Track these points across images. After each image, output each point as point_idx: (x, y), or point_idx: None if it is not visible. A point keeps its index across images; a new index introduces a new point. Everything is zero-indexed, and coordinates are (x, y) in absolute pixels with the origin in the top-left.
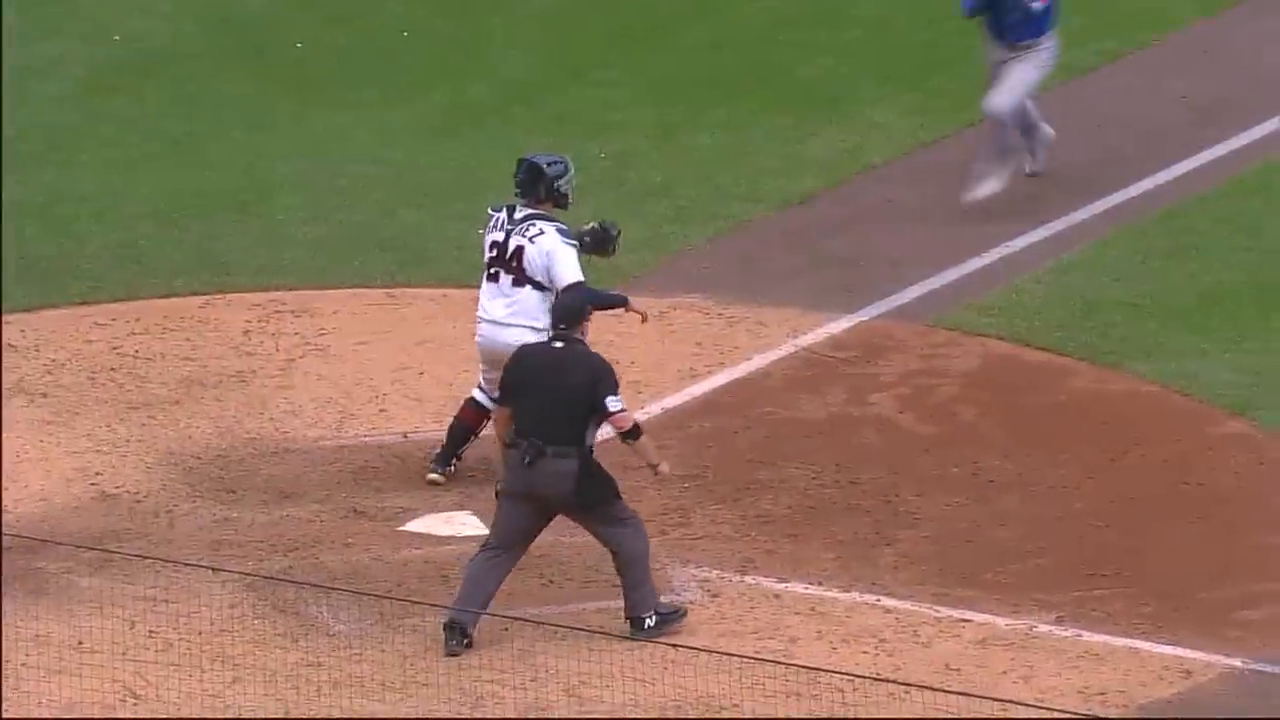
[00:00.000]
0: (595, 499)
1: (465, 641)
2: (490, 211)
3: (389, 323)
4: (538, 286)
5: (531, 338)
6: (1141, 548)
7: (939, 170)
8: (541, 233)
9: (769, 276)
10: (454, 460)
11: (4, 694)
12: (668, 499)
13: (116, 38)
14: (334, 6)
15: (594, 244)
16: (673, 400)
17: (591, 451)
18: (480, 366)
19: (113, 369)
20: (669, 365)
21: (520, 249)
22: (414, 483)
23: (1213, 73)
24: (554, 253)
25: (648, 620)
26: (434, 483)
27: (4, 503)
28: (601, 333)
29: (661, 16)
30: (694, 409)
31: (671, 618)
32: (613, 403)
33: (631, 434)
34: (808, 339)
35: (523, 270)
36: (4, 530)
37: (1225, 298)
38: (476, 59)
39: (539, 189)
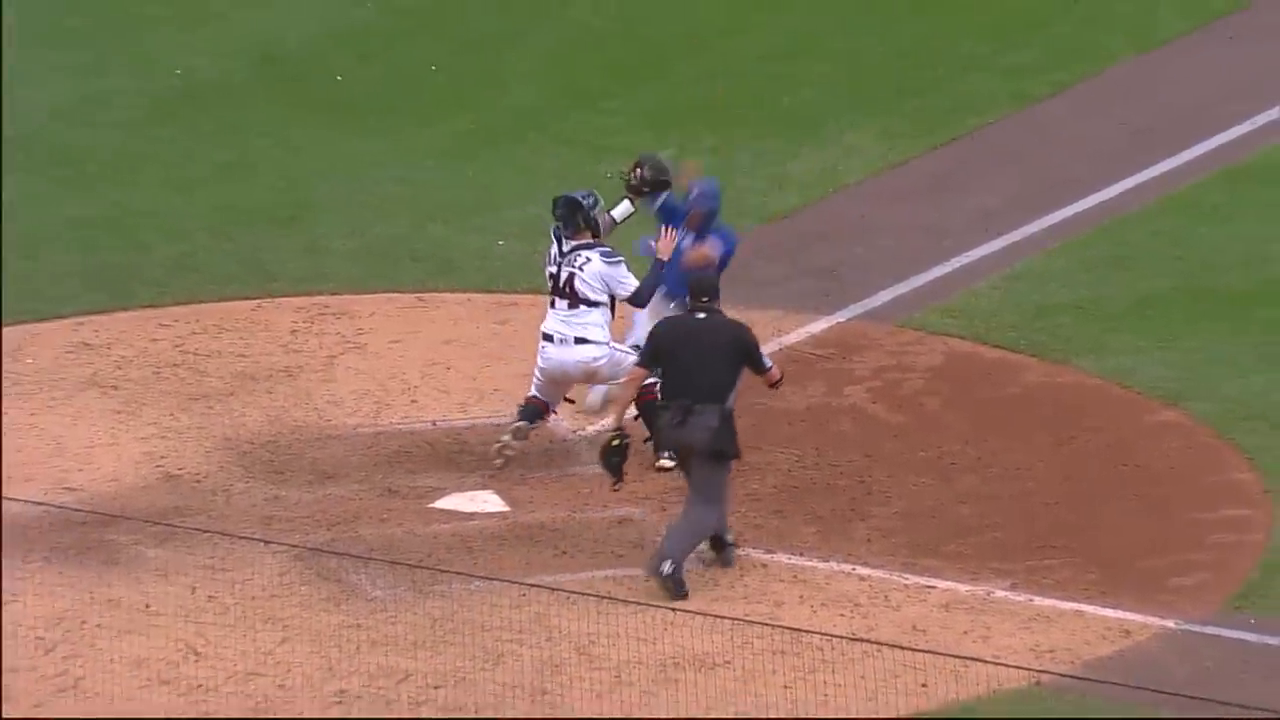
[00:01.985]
0: (720, 453)
1: (729, 551)
2: (553, 234)
3: (419, 324)
4: (595, 305)
5: (595, 352)
6: (1086, 522)
7: (907, 188)
8: (588, 260)
9: (755, 283)
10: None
11: (78, 653)
12: (667, 480)
13: (178, 71)
14: (366, 43)
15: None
16: None
17: (731, 412)
18: (537, 377)
19: (175, 365)
20: None
21: (572, 277)
22: (442, 465)
23: (1148, 103)
24: (604, 274)
25: (667, 567)
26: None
27: (80, 483)
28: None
29: (657, 51)
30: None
31: (680, 586)
32: (766, 362)
33: (778, 384)
34: (790, 338)
35: (577, 295)
36: (81, 506)
37: (1158, 302)
38: (493, 90)
39: (577, 220)
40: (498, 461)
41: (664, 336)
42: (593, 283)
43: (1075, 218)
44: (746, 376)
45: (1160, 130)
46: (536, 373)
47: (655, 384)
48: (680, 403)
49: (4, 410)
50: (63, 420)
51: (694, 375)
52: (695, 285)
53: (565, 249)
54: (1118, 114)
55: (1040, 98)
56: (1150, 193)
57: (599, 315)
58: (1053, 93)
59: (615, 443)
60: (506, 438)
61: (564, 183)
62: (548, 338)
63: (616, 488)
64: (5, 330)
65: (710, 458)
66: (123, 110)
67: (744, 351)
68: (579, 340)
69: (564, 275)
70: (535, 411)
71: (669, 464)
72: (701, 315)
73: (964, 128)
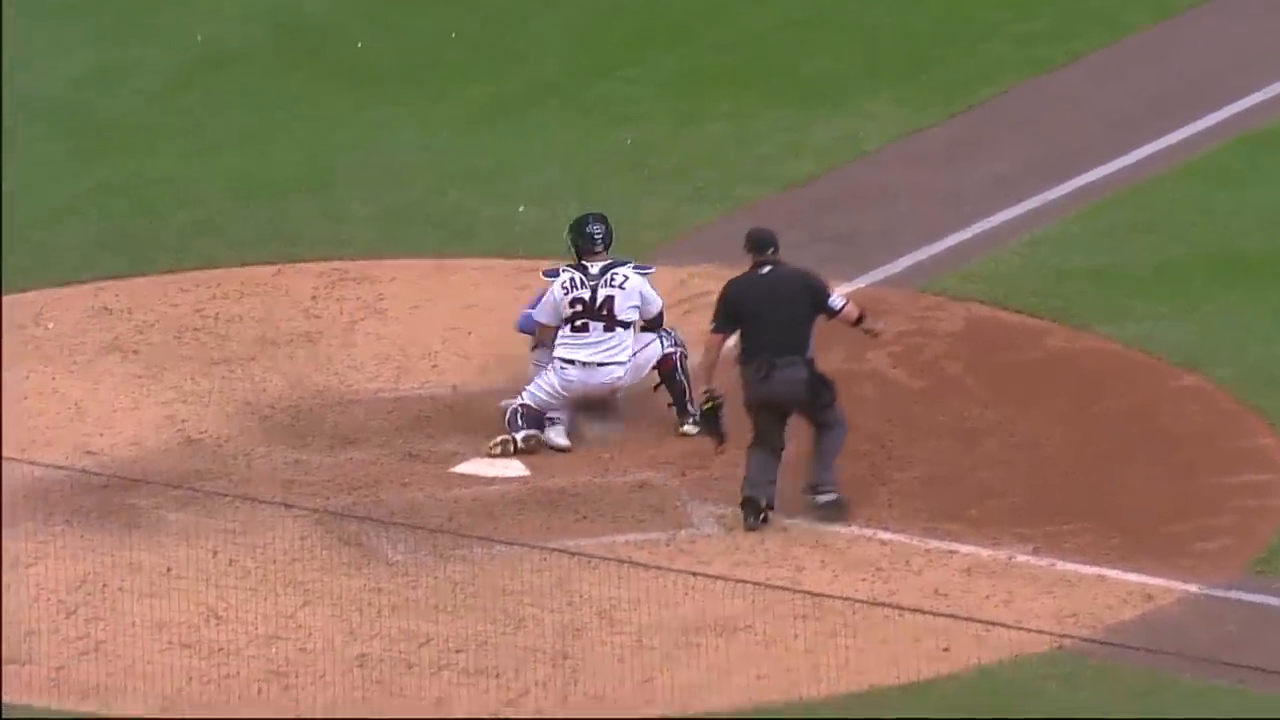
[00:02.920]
0: (825, 400)
1: (763, 516)
2: (553, 275)
3: (439, 289)
4: (626, 326)
5: (619, 371)
6: (1108, 487)
7: (925, 155)
8: (627, 278)
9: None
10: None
11: (99, 616)
12: (689, 444)
13: (199, 39)
14: (387, 11)
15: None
16: (692, 359)
17: (813, 359)
18: (545, 393)
19: (196, 329)
20: (688, 326)
21: (610, 298)
22: (463, 429)
23: (1165, 70)
24: (643, 291)
25: (825, 495)
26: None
27: (101, 447)
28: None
29: (677, 20)
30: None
31: (839, 507)
32: (836, 301)
33: (860, 319)
34: None
35: (613, 316)
36: (102, 470)
37: (1178, 268)
38: (513, 58)
39: (611, 239)
40: (495, 449)
41: (734, 296)
42: (633, 300)
43: (1094, 184)
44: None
45: (1178, 97)
46: (546, 390)
47: (675, 353)
48: (763, 358)
49: (25, 375)
50: (84, 384)
51: (772, 329)
52: (757, 239)
53: (595, 270)
54: (1135, 81)
55: (1057, 65)
56: (1169, 159)
57: (629, 338)
58: (1070, 60)
59: (709, 405)
60: (518, 438)
61: (581, 151)
62: (569, 362)
63: (721, 450)
64: (28, 295)
65: (812, 407)
66: (143, 78)
67: (816, 296)
68: (603, 364)
69: (601, 297)
70: (539, 421)
71: (692, 430)
72: (767, 269)
73: (982, 95)
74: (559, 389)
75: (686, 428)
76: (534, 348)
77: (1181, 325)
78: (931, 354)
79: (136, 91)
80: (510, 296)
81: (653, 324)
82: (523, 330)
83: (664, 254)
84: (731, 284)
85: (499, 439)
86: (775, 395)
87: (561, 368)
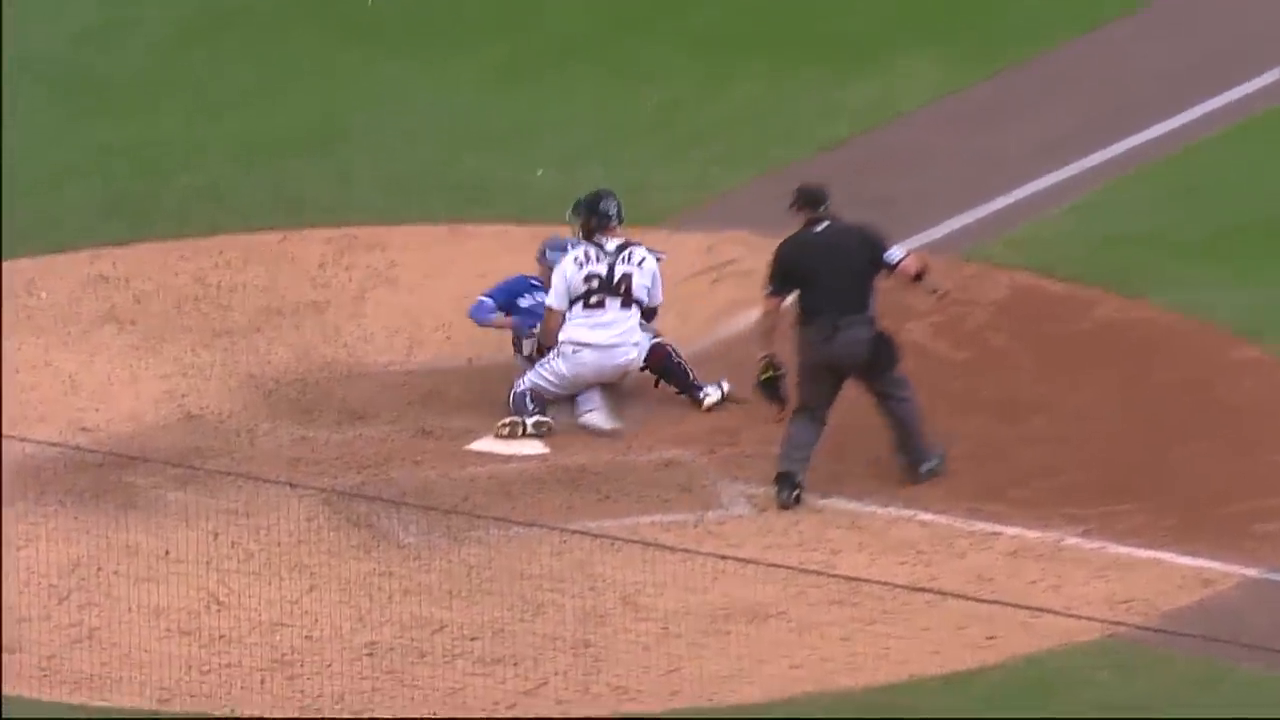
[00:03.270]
0: (886, 362)
1: (796, 493)
2: (555, 252)
3: (453, 257)
4: (638, 305)
5: (634, 355)
6: (1163, 465)
7: (966, 116)
8: (644, 259)
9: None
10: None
11: (93, 601)
12: (717, 420)
13: None
14: None
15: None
16: (722, 331)
17: (875, 318)
18: (549, 380)
19: (197, 299)
20: (718, 296)
21: (628, 276)
22: (478, 405)
23: (1221, 25)
24: (656, 275)
25: (928, 464)
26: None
27: (97, 422)
28: None
29: None
30: (741, 337)
31: (941, 461)
32: (895, 253)
33: (920, 275)
34: None
35: (630, 294)
36: (97, 448)
37: (1235, 233)
38: (534, 14)
39: (623, 216)
40: (504, 431)
41: (790, 257)
42: (647, 282)
43: (1145, 145)
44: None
45: (1232, 54)
46: (552, 379)
47: (664, 341)
48: (826, 318)
49: (18, 347)
50: (79, 357)
51: (832, 288)
52: (808, 194)
53: (610, 246)
54: (1187, 38)
55: (1104, 21)
56: (1223, 119)
57: (638, 317)
58: (1120, 15)
59: (767, 375)
60: (529, 423)
61: (605, 111)
62: (583, 345)
63: (781, 417)
64: (20, 263)
65: (873, 371)
66: (147, 34)
67: (875, 248)
68: (618, 345)
69: (618, 274)
70: (544, 405)
71: (715, 396)
72: (822, 226)
73: (1027, 52)
74: (568, 375)
75: (708, 397)
76: (521, 349)
77: (1238, 294)
78: (974, 324)
79: (137, 49)
80: (526, 264)
81: (648, 315)
82: (476, 319)
83: (690, 220)
84: (786, 244)
85: (507, 420)
86: (838, 357)
87: (574, 351)
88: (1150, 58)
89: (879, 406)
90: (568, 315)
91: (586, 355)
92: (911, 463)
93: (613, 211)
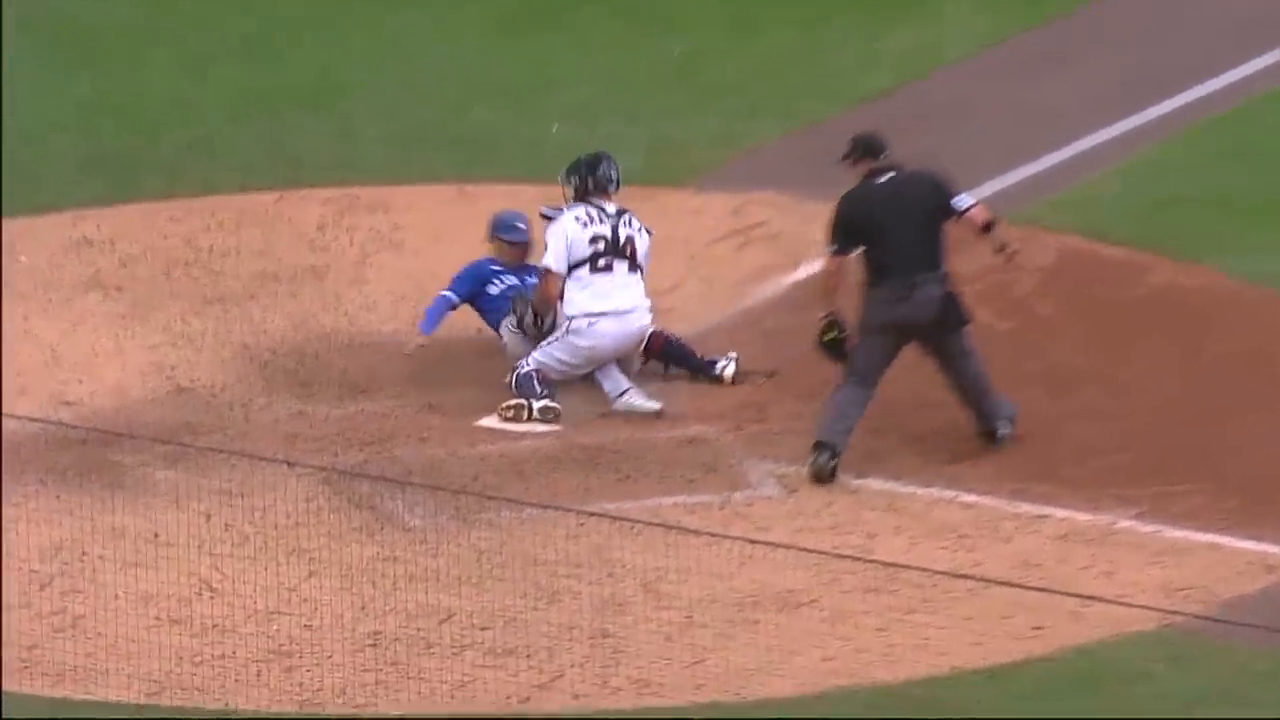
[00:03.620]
0: (955, 322)
1: (834, 464)
2: (557, 212)
3: (461, 218)
4: (641, 272)
5: (647, 320)
6: (1222, 442)
7: (1013, 67)
8: (643, 226)
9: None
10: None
11: (77, 588)
12: (745, 394)
13: None
14: None
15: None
16: (750, 299)
17: (948, 274)
18: (563, 359)
19: (188, 263)
20: (744, 261)
21: (631, 239)
22: (487, 378)
23: None
24: (649, 244)
25: (1005, 427)
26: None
27: (80, 396)
28: (674, 226)
29: None
30: (770, 305)
31: (1012, 420)
32: (964, 200)
33: (989, 227)
34: None
35: (635, 258)
36: (81, 423)
37: None
38: None
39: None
40: (508, 413)
41: (854, 212)
42: (648, 249)
43: (1203, 101)
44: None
45: None
46: (562, 355)
47: (659, 328)
48: (902, 278)
49: None
50: (61, 325)
51: (905, 243)
52: (867, 143)
53: (611, 209)
54: None
55: None
56: None
57: (643, 284)
58: None
59: (831, 335)
60: (535, 406)
61: (624, 61)
62: (598, 315)
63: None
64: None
65: (941, 332)
66: None
67: (943, 194)
68: (633, 309)
69: (624, 236)
70: (552, 388)
71: (731, 370)
72: (887, 176)
73: (1074, 1)
74: (584, 349)
75: (728, 367)
76: (519, 320)
77: None
78: (1020, 291)
79: None
80: (540, 226)
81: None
82: (424, 330)
83: (716, 179)
84: (848, 198)
85: (511, 403)
86: (910, 318)
87: (591, 323)
88: (1205, 7)
89: (945, 370)
90: (568, 283)
91: (604, 324)
92: (987, 426)
93: (613, 174)
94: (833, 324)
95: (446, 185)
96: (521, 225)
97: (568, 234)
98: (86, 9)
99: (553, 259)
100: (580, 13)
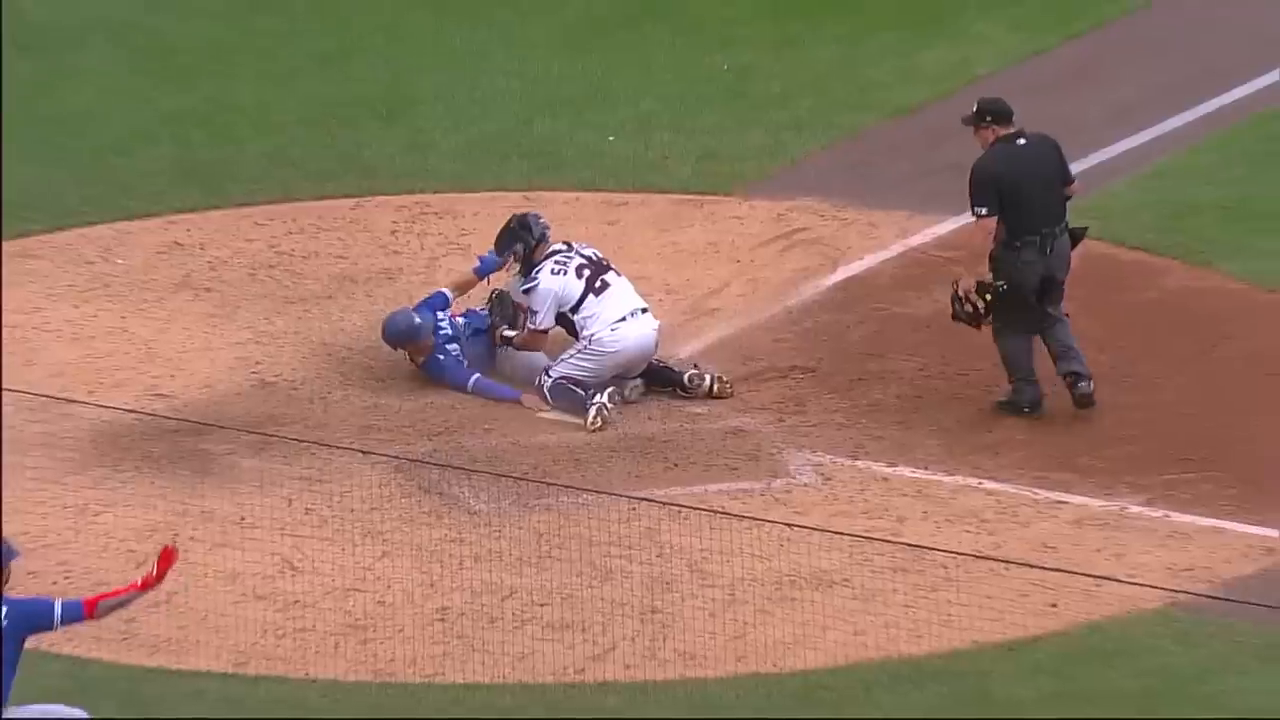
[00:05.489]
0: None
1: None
2: (531, 281)
3: None
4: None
5: (656, 322)
6: (1228, 435)
7: (1042, 81)
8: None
9: (881, 182)
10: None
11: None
12: (784, 389)
13: None
14: None
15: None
16: (791, 299)
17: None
18: (589, 367)
19: (271, 266)
20: (785, 264)
21: (600, 255)
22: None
23: None
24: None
25: (1086, 384)
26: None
27: (172, 389)
28: (721, 232)
29: None
30: (810, 305)
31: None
32: (1072, 169)
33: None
34: (916, 239)
35: (614, 268)
36: (173, 414)
37: None
38: None
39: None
40: (596, 425)
41: (999, 174)
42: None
43: (1220, 111)
44: None
45: None
46: (589, 366)
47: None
48: (1039, 236)
49: (94, 313)
50: (154, 324)
51: (1044, 202)
52: (996, 108)
53: (563, 245)
54: (1266, 2)
55: None
56: None
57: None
58: None
59: (991, 295)
60: (606, 402)
61: (680, 76)
62: (619, 320)
63: (981, 326)
64: (96, 229)
65: (1062, 284)
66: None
67: (1066, 162)
68: (646, 309)
69: (595, 254)
70: (586, 388)
71: (707, 378)
72: (1022, 140)
73: (1103, 16)
74: (609, 353)
75: (704, 380)
76: (510, 341)
77: None
78: None
79: (209, 14)
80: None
81: (566, 324)
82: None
83: (762, 187)
84: (991, 161)
85: (593, 415)
86: (1052, 269)
87: (611, 329)
88: (1226, 22)
89: (1051, 326)
90: (579, 318)
91: (625, 329)
92: (1077, 381)
93: (546, 223)
94: (986, 285)
95: (511, 193)
96: (416, 321)
97: (554, 291)
98: (176, 27)
99: (544, 319)
100: (637, 29)
